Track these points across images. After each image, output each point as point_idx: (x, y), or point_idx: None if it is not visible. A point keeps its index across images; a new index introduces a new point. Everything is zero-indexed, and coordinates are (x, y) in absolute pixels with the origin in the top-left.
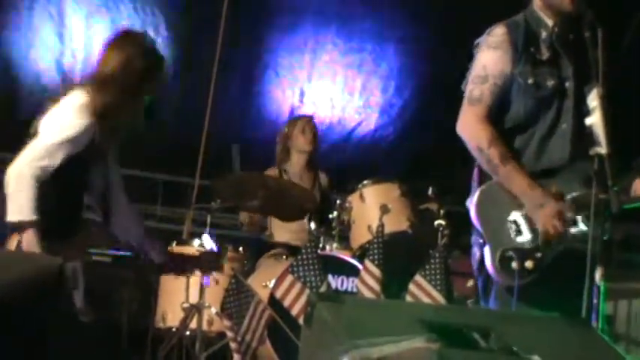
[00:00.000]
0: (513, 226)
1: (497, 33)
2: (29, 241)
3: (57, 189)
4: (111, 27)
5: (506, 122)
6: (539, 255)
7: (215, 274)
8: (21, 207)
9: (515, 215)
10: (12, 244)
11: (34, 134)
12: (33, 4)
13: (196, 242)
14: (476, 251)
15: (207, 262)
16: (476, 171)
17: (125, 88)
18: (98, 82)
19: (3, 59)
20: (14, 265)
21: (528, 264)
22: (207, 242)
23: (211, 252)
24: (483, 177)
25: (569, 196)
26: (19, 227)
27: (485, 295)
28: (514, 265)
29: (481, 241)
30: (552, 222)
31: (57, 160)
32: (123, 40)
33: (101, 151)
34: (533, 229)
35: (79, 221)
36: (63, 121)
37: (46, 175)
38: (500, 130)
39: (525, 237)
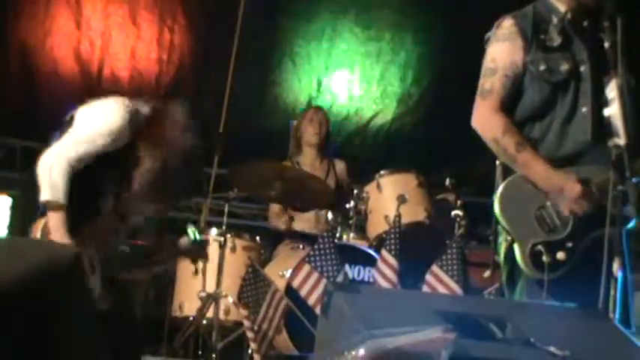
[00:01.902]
0: (541, 219)
1: (505, 25)
2: (56, 222)
3: (84, 180)
4: (128, 15)
5: (523, 112)
6: (570, 245)
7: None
8: (54, 189)
9: (542, 207)
10: (39, 225)
11: (70, 123)
12: None
13: (213, 231)
14: (501, 242)
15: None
16: (499, 166)
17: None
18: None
19: (20, 47)
20: (28, 253)
21: (560, 255)
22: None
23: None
24: (506, 171)
25: (594, 182)
26: (49, 207)
27: (509, 286)
28: (545, 258)
29: (509, 237)
30: (577, 202)
31: (96, 150)
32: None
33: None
34: (561, 219)
35: (95, 214)
36: (107, 115)
37: (81, 165)
38: (518, 121)
39: (554, 228)
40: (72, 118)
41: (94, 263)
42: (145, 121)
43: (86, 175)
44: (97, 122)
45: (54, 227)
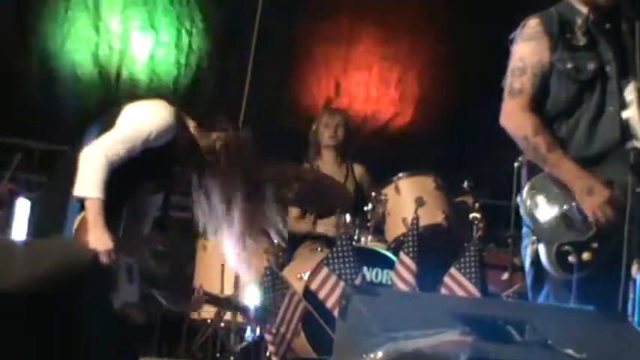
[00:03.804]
0: (567, 219)
1: (531, 24)
2: (94, 215)
3: (119, 179)
4: (147, 18)
5: (551, 111)
6: (595, 245)
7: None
8: (91, 184)
9: (568, 207)
10: (78, 221)
11: (109, 122)
12: None
13: None
14: (527, 244)
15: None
16: (524, 166)
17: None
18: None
19: (39, 51)
20: (47, 255)
21: (586, 256)
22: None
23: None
24: (531, 172)
25: (617, 184)
26: (87, 202)
27: (535, 289)
28: (571, 258)
29: (534, 237)
30: (602, 208)
31: (134, 151)
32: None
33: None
34: (586, 219)
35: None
36: (152, 117)
37: (119, 163)
38: (546, 120)
39: (580, 228)
40: (114, 115)
41: (133, 273)
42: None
43: (127, 179)
44: (140, 123)
45: (92, 221)
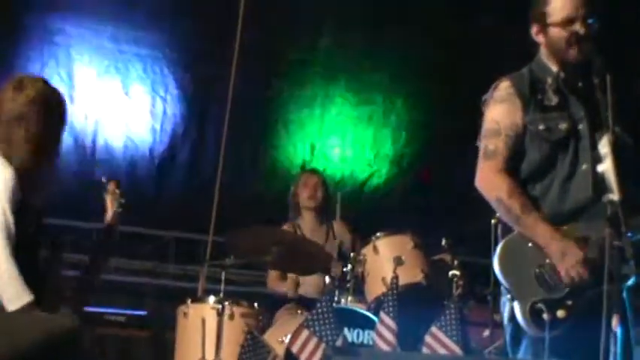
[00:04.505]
0: (540, 277)
1: (503, 87)
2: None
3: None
4: (120, 87)
5: (524, 172)
6: (569, 302)
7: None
8: (16, 292)
9: (541, 265)
10: None
11: None
12: (43, 67)
13: (211, 299)
14: (505, 301)
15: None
16: (499, 225)
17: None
18: None
19: None
20: (29, 328)
21: (560, 313)
22: None
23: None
24: (506, 230)
25: (593, 239)
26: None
27: (513, 345)
28: (545, 316)
29: (509, 296)
30: (576, 270)
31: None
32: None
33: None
34: (560, 277)
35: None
36: None
37: (11, 244)
38: (520, 180)
39: (554, 286)
40: None
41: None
42: None
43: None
44: None
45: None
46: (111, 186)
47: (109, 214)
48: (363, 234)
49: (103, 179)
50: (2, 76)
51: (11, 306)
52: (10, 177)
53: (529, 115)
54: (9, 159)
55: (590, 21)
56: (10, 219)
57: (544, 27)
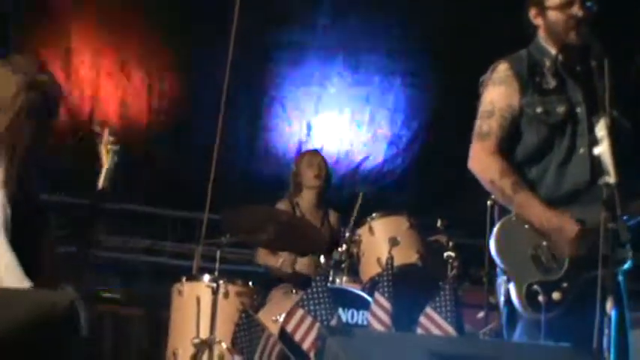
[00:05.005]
0: (536, 259)
1: (501, 69)
2: None
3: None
4: (118, 64)
5: (520, 154)
6: (565, 285)
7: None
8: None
9: (538, 247)
10: None
11: None
12: (40, 43)
13: (206, 277)
14: (501, 283)
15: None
16: (495, 206)
17: None
18: None
19: None
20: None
21: (555, 295)
22: None
23: None
24: (502, 212)
25: (589, 224)
26: None
27: (509, 327)
28: (540, 298)
29: (505, 277)
30: (576, 243)
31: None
32: None
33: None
34: (556, 259)
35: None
36: None
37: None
38: (516, 164)
39: (550, 268)
40: None
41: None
42: None
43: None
44: None
45: None
46: (105, 134)
47: (105, 167)
48: (359, 215)
49: (96, 128)
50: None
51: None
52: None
53: (526, 98)
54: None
55: (588, 4)
56: (8, 208)
57: (542, 10)
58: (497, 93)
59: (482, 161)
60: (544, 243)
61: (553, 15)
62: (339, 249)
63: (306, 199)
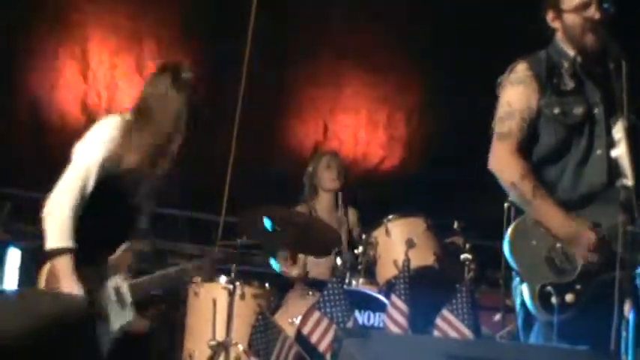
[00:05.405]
0: (550, 260)
1: (519, 69)
2: (63, 268)
3: (94, 213)
4: (134, 66)
5: (538, 155)
6: (579, 287)
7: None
8: (54, 235)
9: (552, 249)
10: (43, 272)
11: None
12: (58, 44)
13: (222, 279)
14: (517, 286)
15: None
16: (511, 208)
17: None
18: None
19: (28, 100)
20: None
21: (569, 297)
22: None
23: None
24: (517, 213)
25: (605, 226)
26: (54, 254)
27: (525, 330)
28: (554, 300)
29: (518, 279)
30: (589, 253)
31: (91, 181)
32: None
33: (137, 176)
34: (570, 261)
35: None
36: (94, 135)
37: (83, 199)
38: (532, 164)
39: (563, 270)
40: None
41: (123, 295)
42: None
43: (95, 205)
44: (85, 149)
45: (62, 274)
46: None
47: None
48: (374, 217)
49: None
50: (24, 54)
51: (48, 244)
52: (111, 138)
53: (545, 98)
54: (130, 130)
55: (605, 6)
56: (92, 175)
57: (559, 13)
58: (516, 93)
59: (503, 162)
60: (558, 245)
61: (570, 18)
62: (356, 250)
63: (323, 202)
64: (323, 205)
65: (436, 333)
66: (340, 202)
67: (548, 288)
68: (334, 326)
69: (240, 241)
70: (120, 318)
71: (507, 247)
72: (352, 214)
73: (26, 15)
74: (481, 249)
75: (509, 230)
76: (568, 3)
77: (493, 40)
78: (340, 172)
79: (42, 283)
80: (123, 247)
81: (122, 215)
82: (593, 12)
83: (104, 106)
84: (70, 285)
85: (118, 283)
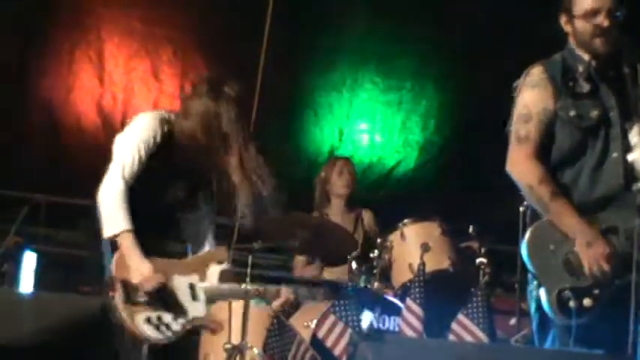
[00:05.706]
0: (568, 265)
1: (535, 72)
2: (128, 249)
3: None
4: (150, 69)
5: (554, 158)
6: (597, 292)
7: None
8: (111, 222)
9: (570, 253)
10: (114, 261)
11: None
12: (74, 48)
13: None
14: (532, 289)
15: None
16: (528, 211)
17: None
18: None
19: (44, 103)
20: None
21: (586, 302)
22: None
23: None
24: (535, 217)
25: (622, 229)
26: (117, 240)
27: (540, 334)
28: (572, 304)
29: (535, 283)
30: (599, 263)
31: (135, 166)
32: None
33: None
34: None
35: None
36: (133, 127)
37: (131, 183)
38: (549, 167)
39: (581, 274)
40: None
41: (196, 290)
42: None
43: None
44: (127, 139)
45: (127, 254)
46: None
47: None
48: (390, 221)
49: None
50: (40, 58)
51: (105, 232)
52: (154, 129)
53: (560, 102)
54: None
55: (617, 14)
56: (137, 160)
57: (571, 18)
58: (532, 96)
59: (521, 166)
60: (576, 249)
61: (579, 23)
62: (372, 254)
63: (335, 209)
64: (335, 211)
65: (451, 337)
66: (351, 205)
67: (567, 292)
68: (349, 330)
69: (255, 244)
70: (193, 312)
71: (525, 251)
72: (367, 216)
73: (42, 19)
74: (496, 253)
75: (528, 234)
76: (578, 8)
77: (509, 45)
78: (353, 178)
79: (113, 270)
80: (205, 249)
81: (153, 209)
82: (601, 20)
83: (120, 109)
84: (136, 261)
85: (191, 280)
